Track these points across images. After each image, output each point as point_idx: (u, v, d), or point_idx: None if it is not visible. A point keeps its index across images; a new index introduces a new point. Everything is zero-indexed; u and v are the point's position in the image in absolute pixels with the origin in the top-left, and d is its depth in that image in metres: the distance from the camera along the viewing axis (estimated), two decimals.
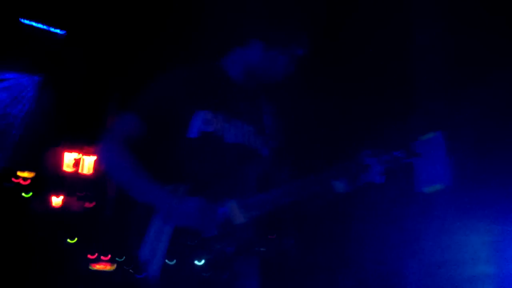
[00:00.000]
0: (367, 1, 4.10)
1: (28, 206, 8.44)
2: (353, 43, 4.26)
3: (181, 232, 1.79)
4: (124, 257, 8.19)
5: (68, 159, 8.88)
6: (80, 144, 8.79)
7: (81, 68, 7.11)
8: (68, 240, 8.56)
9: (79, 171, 8.91)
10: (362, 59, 4.22)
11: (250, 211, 1.84)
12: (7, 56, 7.13)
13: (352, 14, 4.17)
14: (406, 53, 4.03)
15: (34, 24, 6.90)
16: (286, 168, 2.16)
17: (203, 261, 1.77)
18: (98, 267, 8.50)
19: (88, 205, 8.94)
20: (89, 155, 8.88)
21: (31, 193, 8.56)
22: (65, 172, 8.85)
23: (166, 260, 1.78)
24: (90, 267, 8.43)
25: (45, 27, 6.99)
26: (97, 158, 2.06)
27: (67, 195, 8.87)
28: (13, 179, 8.45)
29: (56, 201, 8.78)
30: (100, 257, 8.52)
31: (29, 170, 8.59)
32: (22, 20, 6.82)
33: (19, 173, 8.51)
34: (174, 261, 1.78)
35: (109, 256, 8.54)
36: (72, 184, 8.89)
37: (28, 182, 8.58)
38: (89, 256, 8.47)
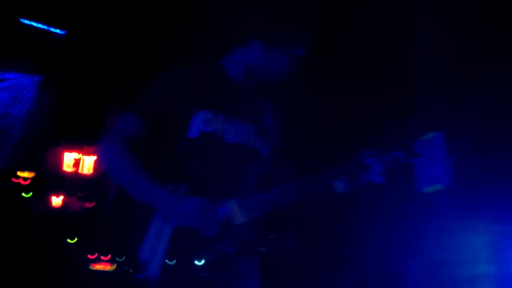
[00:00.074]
0: (367, 1, 4.09)
1: (28, 206, 8.44)
2: (353, 43, 4.25)
3: (181, 232, 1.79)
4: (124, 257, 8.19)
5: (68, 159, 8.89)
6: (80, 144, 8.79)
7: (81, 68, 7.11)
8: (68, 240, 8.57)
9: (79, 171, 8.91)
10: (362, 59, 4.22)
11: (250, 211, 1.84)
12: (7, 56, 7.13)
13: (352, 14, 4.16)
14: (406, 53, 4.02)
15: (34, 24, 6.90)
16: (286, 168, 2.16)
17: (203, 261, 1.77)
18: (98, 267, 8.50)
19: (88, 205, 8.94)
20: (89, 155, 8.88)
21: (31, 193, 8.56)
22: (65, 172, 8.85)
23: (166, 260, 1.78)
24: (90, 267, 8.43)
25: (45, 27, 6.99)
26: (97, 158, 2.06)
27: (67, 195, 8.87)
28: (13, 179, 8.45)
29: (56, 201, 8.79)
30: (100, 257, 8.52)
31: (29, 170, 8.59)
32: (22, 20, 6.82)
33: (19, 173, 8.51)
34: (174, 261, 1.78)
35: (109, 256, 8.54)
36: (72, 184, 8.89)
37: (28, 182, 8.58)
38: (89, 256, 8.47)
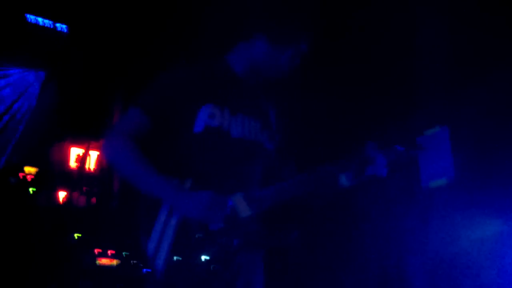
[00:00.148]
0: (368, 1, 4.09)
1: (34, 201, 8.48)
2: (359, 43, 4.25)
3: (187, 225, 1.80)
4: (130, 251, 8.22)
5: (74, 154, 8.92)
6: (86, 139, 8.81)
7: (86, 64, 7.12)
8: (74, 235, 8.60)
9: (85, 166, 8.94)
10: (362, 59, 4.23)
11: (256, 204, 1.85)
12: (12, 51, 7.14)
13: (354, 14, 4.16)
14: (406, 53, 4.01)
15: (39, 19, 6.92)
16: (292, 162, 2.17)
17: (209, 254, 1.78)
18: (104, 261, 8.53)
19: (94, 199, 8.97)
20: (95, 150, 8.90)
21: (37, 188, 8.59)
22: (70, 167, 8.88)
23: (173, 254, 1.79)
24: (96, 262, 8.46)
25: (50, 22, 7.00)
26: (102, 153, 2.07)
27: (72, 190, 8.89)
28: (19, 174, 8.48)
29: (62, 196, 8.82)
30: (106, 252, 8.55)
31: (35, 165, 8.62)
32: (28, 16, 6.84)
33: (26, 168, 8.54)
34: (181, 254, 1.79)
35: (115, 250, 8.57)
36: (78, 179, 8.91)
37: (34, 177, 8.62)
38: (95, 250, 8.50)
